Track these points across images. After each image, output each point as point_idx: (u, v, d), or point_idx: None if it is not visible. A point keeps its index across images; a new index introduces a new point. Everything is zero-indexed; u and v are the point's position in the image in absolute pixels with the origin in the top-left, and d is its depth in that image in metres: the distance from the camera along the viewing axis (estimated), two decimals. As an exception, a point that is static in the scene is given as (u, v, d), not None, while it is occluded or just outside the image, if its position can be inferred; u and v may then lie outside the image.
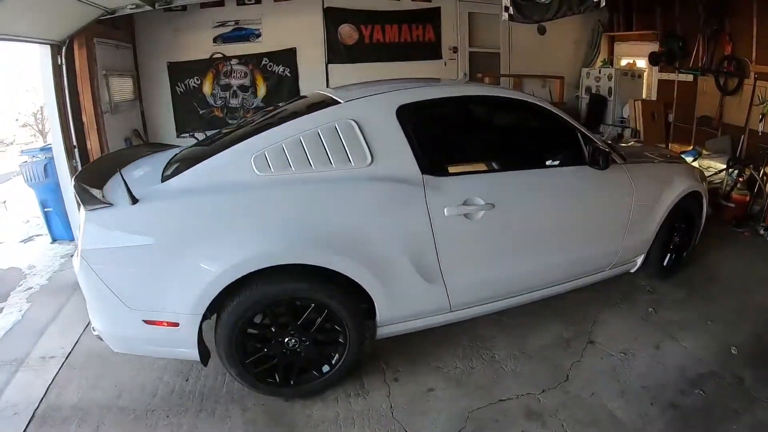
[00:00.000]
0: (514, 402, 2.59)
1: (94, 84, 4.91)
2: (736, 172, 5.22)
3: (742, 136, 5.89)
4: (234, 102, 6.30)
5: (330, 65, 6.51)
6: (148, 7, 4.68)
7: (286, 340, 2.49)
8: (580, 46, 7.69)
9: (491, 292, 2.93)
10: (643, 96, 7.31)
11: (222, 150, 2.49)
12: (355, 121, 2.53)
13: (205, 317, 2.34)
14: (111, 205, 2.24)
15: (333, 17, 6.39)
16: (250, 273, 2.29)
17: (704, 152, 6.17)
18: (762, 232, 4.66)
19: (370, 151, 2.50)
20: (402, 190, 2.52)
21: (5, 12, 3.46)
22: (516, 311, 3.21)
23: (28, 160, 4.96)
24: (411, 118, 2.64)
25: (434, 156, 2.68)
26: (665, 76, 7.05)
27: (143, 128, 5.97)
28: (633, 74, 7.23)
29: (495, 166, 2.91)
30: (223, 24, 6.11)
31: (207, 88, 6.23)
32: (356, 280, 2.47)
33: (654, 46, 6.91)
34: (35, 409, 2.62)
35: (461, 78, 6.75)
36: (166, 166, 2.69)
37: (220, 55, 6.18)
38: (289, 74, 6.40)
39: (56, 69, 4.59)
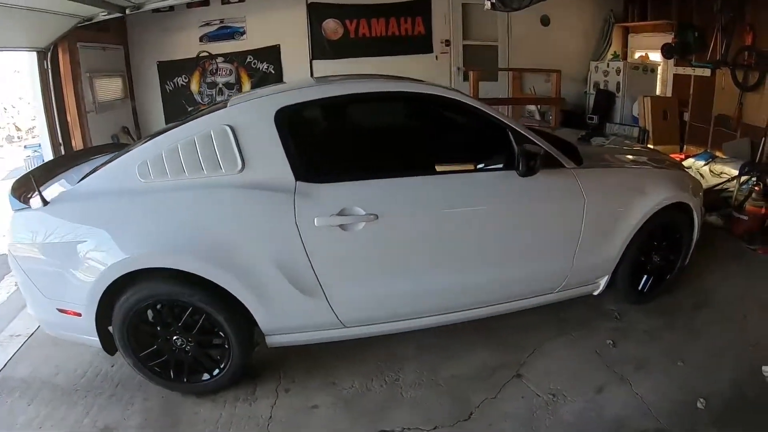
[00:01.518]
0: None
1: (78, 85, 5.27)
2: (754, 179, 4.58)
3: (763, 139, 5.28)
4: (220, 99, 6.43)
5: (314, 61, 6.54)
6: (119, 14, 4.97)
7: (174, 338, 2.54)
8: (589, 37, 7.16)
9: (391, 311, 2.69)
10: (658, 92, 6.70)
11: (123, 155, 2.60)
12: (230, 127, 2.44)
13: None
14: (29, 207, 2.45)
15: (317, 12, 6.38)
16: (138, 272, 2.38)
17: (721, 156, 5.58)
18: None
19: (242, 157, 2.40)
20: (267, 198, 2.40)
21: None
22: (443, 332, 2.93)
23: (30, 154, 5.43)
24: (291, 121, 2.50)
25: (313, 161, 2.52)
26: (681, 70, 6.42)
27: (135, 125, 6.30)
28: (645, 68, 6.65)
29: (385, 172, 2.56)
30: (208, 23, 6.29)
31: (194, 86, 6.48)
32: (226, 288, 2.42)
33: (669, 38, 6.29)
34: None
35: (455, 71, 6.58)
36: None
37: (206, 54, 6.39)
38: (273, 71, 6.50)
39: (43, 73, 5.02)
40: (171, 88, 6.43)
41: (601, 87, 6.82)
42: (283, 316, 2.57)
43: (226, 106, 2.63)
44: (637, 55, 7.07)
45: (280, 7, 6.29)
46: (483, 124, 2.71)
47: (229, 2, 6.18)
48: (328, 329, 2.65)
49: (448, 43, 6.67)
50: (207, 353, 2.62)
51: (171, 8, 5.91)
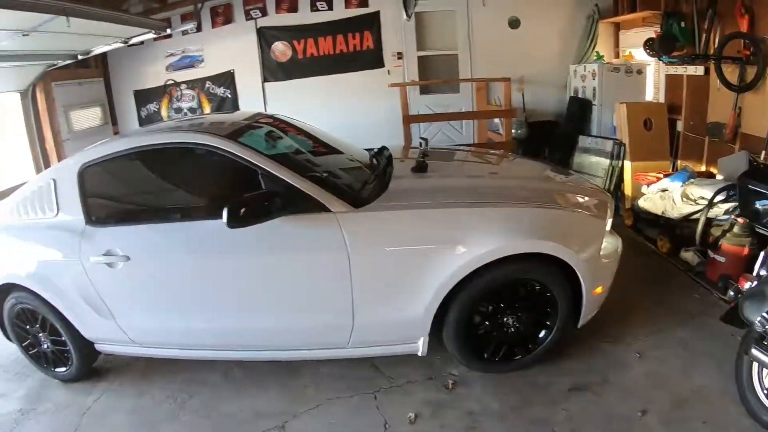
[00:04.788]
0: None
1: (53, 119, 6.10)
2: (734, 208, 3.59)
3: (763, 153, 4.01)
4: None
5: (266, 83, 6.64)
6: (71, 60, 5.70)
7: (39, 335, 3.16)
8: (569, 38, 6.15)
9: (165, 339, 2.98)
10: (649, 98, 5.42)
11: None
12: (54, 180, 3.01)
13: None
14: None
15: (266, 36, 6.47)
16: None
17: (715, 174, 4.45)
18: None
19: (57, 204, 2.95)
20: (63, 238, 2.88)
21: None
22: (251, 367, 3.07)
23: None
24: (88, 174, 2.92)
25: (98, 208, 2.92)
26: (673, 70, 5.12)
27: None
28: (629, 69, 5.41)
29: (140, 218, 2.89)
30: (173, 54, 6.73)
31: (164, 112, 6.99)
32: (51, 302, 2.96)
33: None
34: None
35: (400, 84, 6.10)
36: None
37: (172, 82, 6.83)
38: (229, 95, 6.75)
39: (26, 110, 5.97)
40: (145, 114, 7.03)
41: (579, 93, 5.73)
42: (93, 330, 3.02)
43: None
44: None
45: (233, 34, 6.54)
46: (238, 169, 2.64)
47: (188, 33, 6.47)
48: (129, 345, 3.04)
49: (400, 55, 6.25)
50: (60, 348, 3.14)
51: (141, 42, 6.45)
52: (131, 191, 3.14)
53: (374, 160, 3.33)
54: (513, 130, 5.51)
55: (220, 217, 2.35)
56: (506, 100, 5.38)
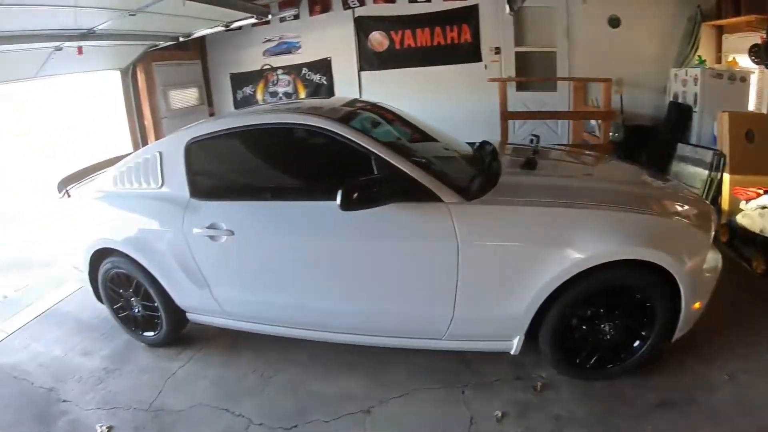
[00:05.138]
0: (229, 415, 2.78)
1: (153, 97, 6.43)
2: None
3: None
4: (282, 107, 7.07)
5: (362, 72, 6.76)
6: (172, 42, 6.02)
7: (131, 299, 3.37)
8: (670, 39, 6.01)
9: (260, 314, 3.07)
10: (751, 107, 5.43)
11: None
12: (160, 153, 3.15)
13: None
14: (63, 197, 3.59)
15: (363, 26, 6.57)
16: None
17: None
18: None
19: (162, 176, 3.10)
20: (166, 209, 3.04)
21: (90, 56, 5.27)
22: (338, 349, 3.06)
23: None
24: (194, 150, 3.05)
25: (203, 183, 3.05)
26: (782, 78, 5.15)
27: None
28: (732, 76, 5.33)
29: (246, 195, 2.97)
30: (270, 39, 6.94)
31: (259, 95, 7.24)
32: (148, 268, 3.12)
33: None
34: (49, 308, 4.27)
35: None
36: None
37: (268, 67, 7.06)
38: (325, 82, 6.92)
39: (125, 88, 6.34)
40: (241, 96, 7.31)
41: (679, 99, 5.71)
42: (187, 298, 3.18)
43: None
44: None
45: (330, 22, 6.65)
46: (348, 152, 2.65)
47: (285, 20, 6.66)
48: (221, 317, 3.18)
49: (498, 50, 6.28)
50: (151, 314, 3.33)
51: (239, 27, 6.63)
52: (238, 168, 3.23)
53: (479, 154, 3.30)
54: (610, 133, 5.57)
55: (330, 199, 2.43)
56: (606, 101, 5.36)
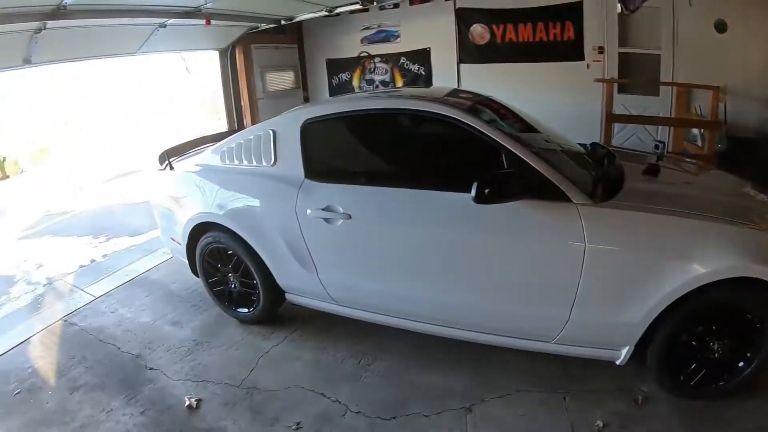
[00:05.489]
0: (326, 400, 2.78)
1: (250, 78, 6.64)
2: None
3: None
4: (379, 95, 7.21)
5: (462, 65, 6.77)
6: (273, 24, 6.20)
7: (229, 275, 3.46)
8: None
9: (367, 301, 3.02)
10: None
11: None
12: (273, 131, 3.18)
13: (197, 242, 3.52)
14: (165, 168, 3.69)
15: (464, 18, 6.56)
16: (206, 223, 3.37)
17: None
18: None
19: (275, 154, 3.14)
20: (280, 188, 3.06)
21: (185, 35, 5.57)
22: (438, 342, 2.98)
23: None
24: (311, 130, 3.06)
25: (319, 164, 3.05)
26: None
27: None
28: None
29: (366, 179, 2.91)
30: (368, 27, 7.03)
31: (355, 82, 7.35)
32: (252, 246, 3.19)
33: None
34: (136, 276, 4.53)
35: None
36: None
37: (366, 54, 7.17)
38: (423, 72, 6.97)
39: (223, 68, 6.57)
40: (336, 82, 7.47)
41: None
42: (290, 279, 3.22)
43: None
44: None
45: (430, 13, 6.69)
46: (475, 143, 2.62)
47: (385, 8, 6.73)
48: (324, 301, 3.18)
49: (601, 50, 6.20)
50: (248, 291, 3.42)
51: (338, 14, 6.69)
52: (358, 152, 3.18)
53: (597, 156, 3.20)
54: (716, 144, 5.47)
55: (458, 190, 2.48)
56: (713, 110, 5.30)
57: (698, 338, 2.49)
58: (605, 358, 2.60)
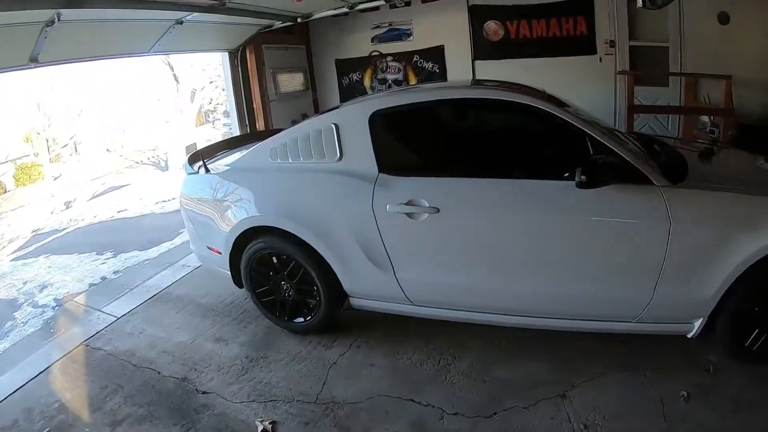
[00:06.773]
0: (417, 406, 2.69)
1: (262, 80, 6.46)
2: None
3: None
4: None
5: (476, 61, 6.80)
6: (290, 22, 6.01)
7: (281, 283, 3.29)
8: None
9: (450, 299, 2.97)
10: None
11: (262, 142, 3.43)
12: (335, 125, 3.03)
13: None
14: (197, 172, 3.46)
15: (478, 14, 6.61)
16: (261, 227, 3.17)
17: None
18: None
19: (340, 149, 3.00)
20: (352, 184, 2.93)
21: (198, 35, 5.28)
22: (511, 334, 3.04)
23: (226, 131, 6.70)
24: (381, 122, 2.96)
25: (395, 157, 2.97)
26: None
27: (315, 113, 7.23)
28: None
29: (452, 171, 2.88)
30: (379, 26, 6.99)
31: (367, 82, 7.30)
32: (317, 249, 3.04)
33: None
34: (158, 292, 4.16)
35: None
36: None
37: (377, 53, 7.13)
38: (437, 70, 6.97)
39: (234, 69, 6.34)
40: (346, 83, 7.38)
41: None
42: (359, 282, 3.08)
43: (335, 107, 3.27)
44: None
45: (443, 10, 6.70)
46: (559, 131, 2.71)
47: (396, 6, 6.58)
48: (397, 303, 3.07)
49: (612, 44, 6.40)
50: (303, 300, 3.27)
51: (346, 13, 6.60)
52: (436, 144, 3.13)
53: (650, 143, 3.29)
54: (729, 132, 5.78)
55: (547, 177, 2.59)
56: (726, 98, 5.64)
57: (763, 306, 2.63)
58: (678, 332, 2.74)
